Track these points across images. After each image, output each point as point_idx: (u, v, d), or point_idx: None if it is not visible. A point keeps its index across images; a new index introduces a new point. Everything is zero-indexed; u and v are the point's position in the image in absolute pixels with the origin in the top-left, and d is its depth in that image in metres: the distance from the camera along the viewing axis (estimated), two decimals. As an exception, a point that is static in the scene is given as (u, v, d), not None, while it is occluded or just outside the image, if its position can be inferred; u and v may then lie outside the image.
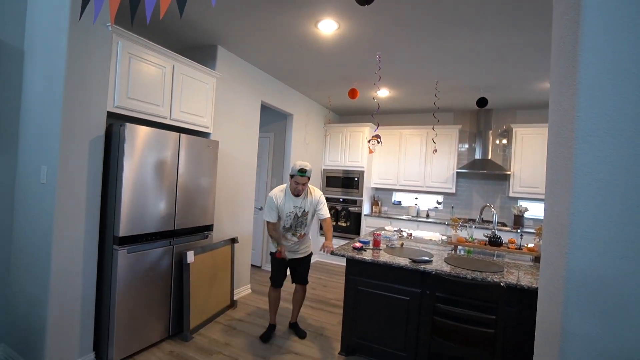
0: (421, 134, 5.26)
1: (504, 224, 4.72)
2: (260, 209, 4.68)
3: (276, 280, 2.84)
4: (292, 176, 2.61)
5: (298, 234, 2.76)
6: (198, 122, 3.00)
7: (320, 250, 2.64)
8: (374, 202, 5.64)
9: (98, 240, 2.26)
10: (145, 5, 1.09)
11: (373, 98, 4.58)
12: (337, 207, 5.50)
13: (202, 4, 2.45)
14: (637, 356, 0.78)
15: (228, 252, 3.35)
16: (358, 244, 2.74)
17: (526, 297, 2.04)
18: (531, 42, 2.73)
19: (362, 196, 5.34)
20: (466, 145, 5.29)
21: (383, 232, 3.47)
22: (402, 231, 3.54)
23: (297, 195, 2.65)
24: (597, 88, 0.80)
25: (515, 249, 2.74)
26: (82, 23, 2.02)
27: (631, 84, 0.78)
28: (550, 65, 1.02)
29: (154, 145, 2.44)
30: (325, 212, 2.76)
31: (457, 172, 5.03)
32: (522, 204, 4.70)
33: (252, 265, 4.35)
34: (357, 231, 5.36)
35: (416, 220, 5.06)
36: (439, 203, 5.39)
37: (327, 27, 2.67)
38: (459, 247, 2.91)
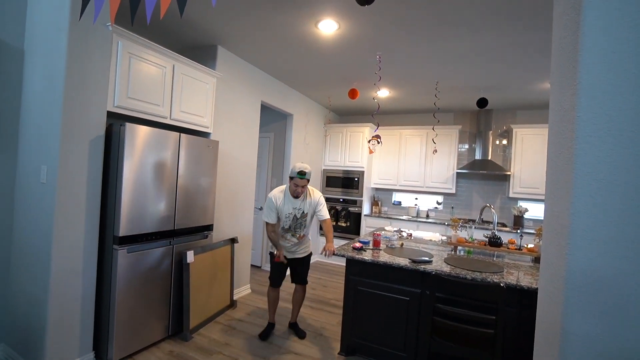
0: (421, 134, 5.26)
1: (503, 225, 4.72)
2: (260, 208, 4.67)
3: (275, 280, 2.84)
4: (291, 178, 2.61)
5: (297, 235, 2.76)
6: (198, 122, 3.00)
7: (321, 253, 2.62)
8: (374, 203, 5.64)
9: (98, 240, 2.26)
10: (146, 5, 1.09)
11: (373, 98, 4.58)
12: (337, 207, 5.50)
13: (202, 4, 2.45)
14: (638, 356, 0.78)
15: (228, 252, 3.35)
16: (358, 244, 2.74)
17: (526, 298, 2.04)
18: (531, 43, 2.73)
19: (362, 196, 5.34)
20: (466, 146, 5.29)
21: (383, 232, 3.47)
22: (402, 231, 3.54)
23: (296, 197, 2.65)
24: (597, 88, 0.80)
25: (515, 249, 2.74)
26: (82, 23, 2.02)
27: (632, 84, 0.78)
28: (550, 66, 1.02)
29: (154, 145, 2.44)
30: (324, 213, 2.75)
31: (457, 173, 5.03)
32: (522, 204, 4.70)
33: (252, 265, 4.35)
34: (357, 231, 5.36)
35: (416, 221, 5.06)
36: (438, 203, 5.39)
37: (328, 27, 2.68)
38: (459, 248, 2.91)
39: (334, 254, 2.56)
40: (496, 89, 4.04)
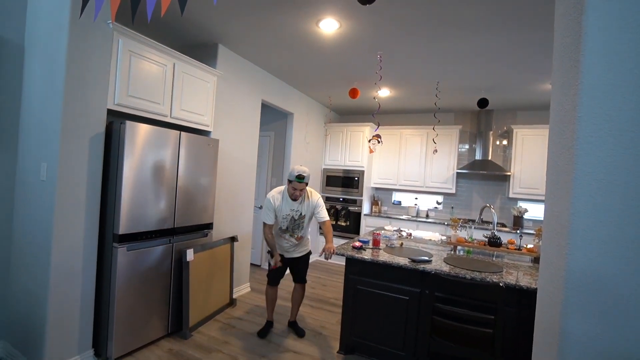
0: (421, 134, 5.26)
1: (503, 225, 4.72)
2: (260, 207, 4.67)
3: (273, 279, 2.85)
4: (289, 181, 2.60)
5: (295, 236, 2.76)
6: (198, 121, 3.00)
7: (321, 255, 2.62)
8: (374, 202, 5.64)
9: (98, 238, 2.26)
10: (147, 3, 1.09)
11: (374, 98, 4.57)
12: (337, 207, 5.50)
13: (203, 2, 2.45)
14: (637, 357, 0.78)
15: (228, 250, 3.35)
16: (358, 244, 2.74)
17: (525, 298, 2.04)
18: (532, 43, 2.72)
19: (362, 196, 5.34)
20: (466, 146, 5.29)
21: (383, 231, 3.47)
22: (401, 231, 3.54)
23: (294, 199, 2.66)
24: (598, 88, 0.80)
25: (515, 249, 2.74)
26: (82, 20, 2.02)
27: (633, 85, 0.78)
28: (551, 66, 1.02)
29: (154, 143, 2.44)
30: (324, 215, 2.74)
31: (457, 173, 5.03)
32: (522, 205, 4.70)
33: (251, 264, 4.36)
34: (356, 231, 5.36)
35: (416, 220, 5.07)
36: (438, 203, 5.39)
37: (329, 26, 2.67)
38: (459, 248, 2.91)
39: (334, 254, 2.56)
40: (497, 90, 4.04)
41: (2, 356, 2.24)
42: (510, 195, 4.69)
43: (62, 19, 2.03)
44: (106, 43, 2.21)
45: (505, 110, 4.98)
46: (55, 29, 2.07)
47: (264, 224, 2.71)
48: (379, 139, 3.46)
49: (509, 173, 4.64)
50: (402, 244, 2.96)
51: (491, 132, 4.89)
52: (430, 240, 3.30)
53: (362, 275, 2.54)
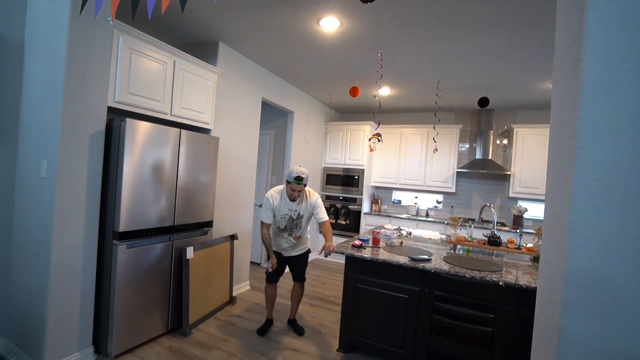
0: (422, 133, 5.25)
1: (503, 224, 4.72)
2: (260, 205, 4.67)
3: (272, 276, 2.85)
4: (288, 182, 2.60)
5: (294, 236, 2.75)
6: (199, 119, 3.00)
7: (320, 253, 2.62)
8: (374, 201, 5.65)
9: (98, 235, 2.27)
10: (147, 0, 1.08)
11: (374, 96, 4.57)
12: (337, 205, 5.51)
13: (204, 0, 2.44)
14: (636, 357, 0.78)
15: (227, 248, 3.36)
16: (357, 242, 2.74)
17: (524, 297, 2.04)
18: (533, 42, 2.72)
19: (362, 194, 5.34)
20: (467, 145, 5.29)
21: (382, 230, 3.47)
22: (401, 230, 3.54)
23: (292, 200, 2.65)
24: (600, 88, 0.80)
25: (514, 248, 2.74)
26: (82, 17, 2.01)
27: (634, 84, 0.78)
28: (552, 66, 1.01)
29: (154, 140, 2.44)
30: (323, 215, 2.72)
31: (457, 172, 5.03)
32: (522, 204, 4.70)
33: (251, 262, 4.36)
34: (356, 229, 5.36)
35: (416, 219, 5.07)
36: (438, 202, 5.39)
37: (329, 24, 2.67)
38: (458, 247, 2.92)
39: (333, 252, 2.55)
40: (497, 89, 4.03)
41: (2, 353, 2.24)
42: (510, 195, 4.69)
43: (62, 16, 2.02)
44: (106, 40, 2.20)
45: (506, 109, 4.98)
46: (56, 27, 2.07)
47: (262, 223, 2.71)
48: (379, 138, 3.46)
49: (509, 172, 4.64)
50: (401, 242, 2.96)
51: (491, 132, 4.89)
52: (430, 239, 3.31)
53: (361, 273, 2.54)
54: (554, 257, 0.91)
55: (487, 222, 4.75)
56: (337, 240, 4.28)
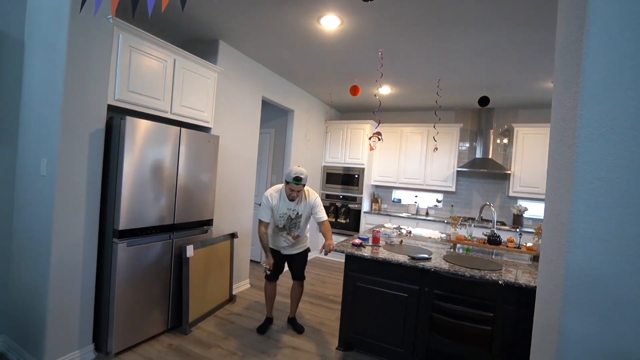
0: (422, 131, 5.25)
1: (503, 223, 4.72)
2: (260, 204, 4.68)
3: (271, 275, 2.85)
4: (287, 182, 2.59)
5: (292, 235, 2.75)
6: (199, 117, 3.00)
7: (320, 251, 2.62)
8: (374, 200, 5.65)
9: (98, 233, 2.27)
10: (147, -3, 1.08)
11: (374, 95, 4.56)
12: (337, 204, 5.51)
13: (204, -2, 2.44)
14: (636, 357, 0.78)
15: (227, 247, 3.36)
16: (357, 241, 2.74)
17: (524, 296, 2.05)
18: (533, 42, 2.71)
19: (362, 193, 5.34)
20: (467, 144, 5.29)
21: (382, 229, 3.47)
22: (401, 228, 3.54)
23: (291, 200, 2.65)
24: (601, 86, 0.80)
25: (514, 247, 2.74)
26: (82, 15, 2.01)
27: (635, 83, 0.77)
28: (552, 65, 1.01)
29: (154, 139, 2.44)
30: (322, 215, 2.71)
31: (458, 171, 5.03)
32: (522, 203, 4.70)
33: (251, 261, 4.37)
34: (356, 228, 5.37)
35: (416, 218, 5.07)
36: (438, 201, 5.40)
37: (330, 22, 2.66)
38: (458, 245, 2.92)
39: (332, 250, 2.55)
40: (498, 88, 4.03)
41: (3, 350, 2.25)
42: (510, 194, 4.69)
43: (62, 13, 2.02)
44: (106, 38, 2.20)
45: (506, 108, 4.97)
46: (55, 24, 2.06)
47: (260, 221, 2.70)
48: (380, 137, 3.46)
49: (509, 172, 4.64)
50: (401, 241, 2.96)
51: (492, 131, 4.88)
52: (429, 238, 3.31)
53: (361, 272, 2.54)
54: (554, 256, 0.91)
55: (487, 221, 4.75)
56: (337, 239, 4.27)
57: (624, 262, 0.79)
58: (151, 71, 2.50)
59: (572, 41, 0.88)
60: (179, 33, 3.13)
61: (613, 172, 0.79)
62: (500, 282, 1.90)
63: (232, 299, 3.41)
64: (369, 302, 2.51)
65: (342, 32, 2.84)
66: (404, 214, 5.26)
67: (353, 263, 2.58)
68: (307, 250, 2.94)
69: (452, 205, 5.25)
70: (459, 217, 3.16)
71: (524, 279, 2.07)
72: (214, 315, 3.08)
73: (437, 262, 2.35)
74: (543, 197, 4.26)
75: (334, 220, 5.44)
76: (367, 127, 5.36)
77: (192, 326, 2.80)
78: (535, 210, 4.67)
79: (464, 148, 5.29)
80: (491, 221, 3.48)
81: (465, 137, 5.28)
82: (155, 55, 2.52)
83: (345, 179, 5.47)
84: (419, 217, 5.12)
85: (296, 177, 2.52)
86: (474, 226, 3.21)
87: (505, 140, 5.02)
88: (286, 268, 2.96)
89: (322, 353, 2.58)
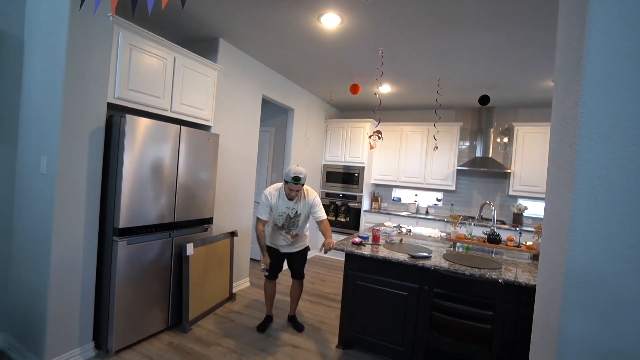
0: (422, 130, 5.25)
1: (503, 222, 4.72)
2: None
3: (271, 273, 2.86)
4: (286, 182, 2.58)
5: (291, 234, 2.75)
6: (199, 115, 2.99)
7: (320, 250, 2.61)
8: (374, 198, 5.65)
9: (98, 231, 2.27)
10: (147, -5, 1.08)
11: (375, 94, 4.56)
12: (336, 203, 5.51)
13: (204, -4, 2.43)
14: (636, 357, 0.78)
15: (227, 245, 3.36)
16: (357, 239, 2.74)
17: (524, 294, 2.05)
18: (533, 41, 2.71)
19: (362, 192, 5.34)
20: (467, 143, 5.28)
21: (382, 227, 3.47)
22: (401, 227, 3.54)
23: (290, 199, 2.65)
24: (601, 85, 0.80)
25: (514, 246, 2.75)
26: (82, 13, 2.00)
27: (636, 82, 0.77)
28: (553, 63, 1.01)
29: (154, 137, 2.43)
30: (321, 214, 2.71)
31: (458, 170, 5.03)
32: (522, 202, 4.70)
33: (251, 259, 4.37)
34: (356, 227, 5.37)
35: (415, 217, 5.07)
36: (438, 200, 5.40)
37: (330, 21, 2.65)
38: (458, 244, 2.92)
39: (332, 249, 2.55)
40: (498, 87, 4.02)
41: (3, 348, 2.25)
42: (510, 193, 4.69)
43: (62, 12, 2.01)
44: (106, 36, 2.19)
45: (507, 107, 4.97)
46: (55, 22, 2.06)
47: (258, 219, 2.70)
48: (380, 135, 3.46)
49: (509, 170, 4.64)
50: (401, 240, 2.97)
51: (492, 130, 4.88)
52: (429, 236, 3.31)
53: (361, 270, 2.55)
54: (554, 254, 0.91)
55: (487, 220, 4.75)
56: (336, 238, 4.26)
57: (624, 261, 0.79)
58: (151, 69, 2.50)
59: (572, 40, 0.88)
60: (179, 31, 3.12)
61: (614, 171, 0.79)
62: (500, 280, 1.90)
63: (232, 297, 3.41)
64: (368, 300, 2.51)
65: (342, 31, 2.84)
66: (404, 213, 5.26)
67: (353, 261, 2.58)
68: (307, 249, 2.93)
69: (452, 204, 5.25)
70: (459, 216, 3.16)
71: (523, 277, 2.07)
72: (214, 314, 3.08)
73: (437, 260, 2.35)
74: (543, 196, 4.26)
75: (334, 218, 5.44)
76: (367, 126, 5.35)
77: (192, 324, 2.80)
78: (535, 209, 4.68)
79: (464, 147, 5.29)
80: (491, 220, 3.48)
81: (465, 136, 5.28)
82: (155, 53, 2.52)
83: (345, 177, 5.47)
84: (418, 215, 5.12)
85: (295, 176, 2.51)
86: (474, 225, 3.21)
87: (506, 139, 5.02)
88: (285, 266, 2.96)
89: (322, 351, 2.58)
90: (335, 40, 3.04)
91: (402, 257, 2.38)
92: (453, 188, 5.08)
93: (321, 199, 5.50)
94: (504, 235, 3.18)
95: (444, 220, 4.81)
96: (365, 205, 5.46)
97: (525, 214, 4.61)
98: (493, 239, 2.80)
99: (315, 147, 5.43)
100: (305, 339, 2.76)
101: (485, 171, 4.91)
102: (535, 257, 2.64)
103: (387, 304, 2.44)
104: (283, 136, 4.84)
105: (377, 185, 5.80)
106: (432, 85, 4.12)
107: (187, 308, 2.72)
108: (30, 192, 2.18)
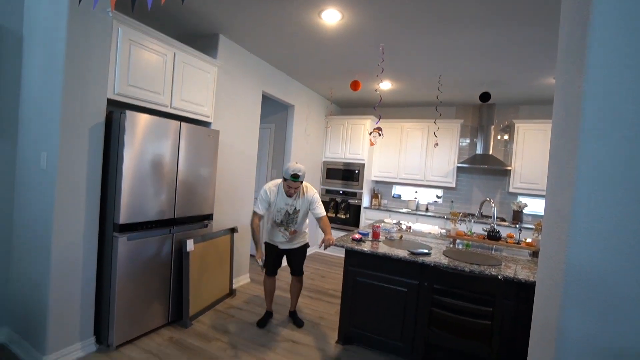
0: (422, 127, 5.24)
1: (503, 219, 4.73)
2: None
3: (270, 269, 2.86)
4: (284, 179, 2.58)
5: (290, 230, 2.75)
6: (199, 111, 2.99)
7: (320, 246, 2.61)
8: (374, 195, 5.65)
9: (98, 227, 2.27)
10: (147, -10, 1.07)
11: (375, 90, 4.54)
12: (337, 200, 5.51)
13: (204, -9, 2.41)
14: (634, 354, 0.78)
15: (227, 241, 3.37)
16: (357, 236, 2.75)
17: (523, 291, 2.06)
18: (534, 38, 2.70)
19: (362, 189, 5.34)
20: (467, 140, 5.28)
21: (382, 224, 3.48)
22: (401, 224, 3.55)
23: (289, 196, 2.65)
24: (604, 81, 0.80)
25: (514, 243, 2.75)
26: (81, 8, 1.99)
27: (638, 79, 0.77)
28: (554, 60, 1.01)
29: (154, 133, 2.43)
30: (320, 210, 2.71)
31: (458, 167, 5.03)
32: (522, 199, 4.70)
33: (251, 255, 4.37)
34: (356, 223, 5.37)
35: (415, 214, 5.08)
36: (438, 197, 5.40)
37: (331, 17, 2.64)
38: (458, 241, 2.93)
39: (332, 245, 2.55)
40: (499, 84, 4.01)
41: (5, 342, 2.27)
42: (510, 190, 4.69)
43: (61, 7, 2.00)
44: (106, 32, 2.18)
45: (507, 104, 4.95)
46: (54, 18, 2.05)
47: (254, 212, 2.70)
48: (380, 132, 3.45)
49: (509, 168, 4.64)
50: (401, 236, 2.97)
51: (492, 127, 4.87)
52: (429, 233, 3.32)
53: (361, 267, 2.55)
54: (554, 251, 0.91)
55: (487, 217, 4.75)
56: (336, 234, 4.27)
57: (625, 259, 0.78)
58: (151, 65, 2.49)
59: (575, 36, 0.88)
60: (179, 27, 3.10)
61: (616, 168, 0.79)
62: (499, 277, 1.91)
63: (232, 293, 3.42)
64: (368, 296, 2.52)
65: (342, 27, 2.82)
66: (404, 210, 5.27)
67: (353, 258, 2.59)
68: (306, 245, 2.93)
69: (452, 201, 5.26)
70: (459, 213, 3.16)
71: (523, 274, 2.08)
72: (214, 309, 3.10)
73: (437, 257, 2.36)
74: (543, 193, 4.25)
75: (333, 215, 5.44)
76: (367, 123, 5.34)
77: (193, 320, 2.81)
78: (535, 206, 4.68)
79: (464, 144, 5.28)
80: (491, 217, 3.49)
81: (465, 133, 5.27)
82: (155, 49, 2.51)
83: (346, 174, 5.47)
84: (418, 212, 5.13)
85: (294, 174, 2.51)
86: (474, 222, 3.22)
87: (506, 137, 5.01)
88: (284, 263, 2.97)
89: (322, 347, 2.60)
90: (335, 36, 3.02)
91: (402, 253, 2.38)
92: (453, 185, 5.08)
93: (321, 195, 5.51)
94: (503, 232, 3.18)
95: (444, 217, 4.82)
96: (365, 202, 5.47)
97: (525, 211, 4.62)
98: (493, 235, 2.80)
99: (316, 144, 5.42)
100: (304, 334, 2.78)
101: (485, 168, 4.91)
102: (534, 254, 2.64)
103: (387, 300, 2.45)
104: (283, 133, 4.83)
105: (377, 182, 5.80)
106: (433, 82, 4.10)
107: (188, 303, 2.73)
108: (30, 187, 2.18)
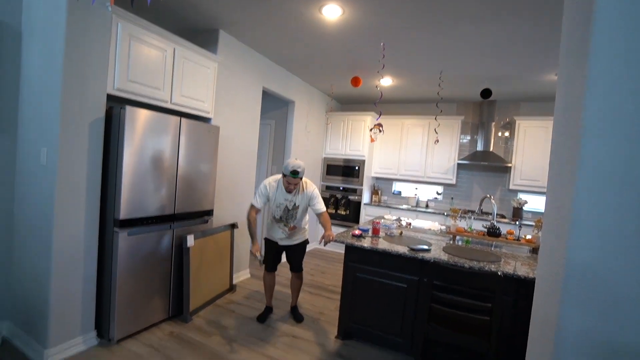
0: (423, 124, 5.22)
1: (503, 216, 4.74)
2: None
3: (269, 265, 2.87)
4: (284, 175, 2.58)
5: (289, 226, 2.75)
6: (199, 107, 2.98)
7: (320, 242, 2.62)
8: (374, 192, 5.65)
9: (99, 223, 2.28)
10: (147, -16, 1.06)
11: (376, 86, 4.52)
12: (337, 196, 5.51)
13: (204, -15, 2.39)
14: (633, 351, 0.78)
15: (228, 237, 3.38)
16: (357, 232, 2.75)
17: (523, 287, 2.06)
18: (536, 34, 2.68)
19: (362, 185, 5.34)
20: (468, 137, 5.27)
21: (382, 220, 3.48)
22: (401, 220, 3.55)
23: (289, 192, 2.65)
24: (607, 78, 0.79)
25: (513, 240, 2.76)
26: (81, 3, 1.98)
27: (640, 74, 0.77)
28: (556, 57, 1.00)
29: (154, 128, 2.43)
30: (320, 206, 2.70)
31: (458, 164, 5.02)
32: (522, 196, 4.70)
33: (251, 251, 4.39)
34: (356, 220, 5.38)
35: (416, 210, 5.08)
36: (438, 194, 5.40)
37: (332, 12, 2.62)
38: (458, 237, 2.93)
39: (332, 241, 2.55)
40: (500, 80, 3.99)
41: (7, 336, 2.28)
42: (511, 187, 4.69)
43: (60, 2, 1.99)
44: (105, 27, 2.17)
45: (508, 101, 4.94)
46: (53, 13, 2.03)
47: (251, 206, 2.70)
48: (381, 128, 3.44)
49: (509, 165, 4.63)
50: (401, 233, 2.98)
51: (493, 124, 4.86)
52: (429, 229, 3.32)
53: (361, 263, 2.56)
54: (554, 248, 0.92)
55: (487, 213, 4.76)
56: (336, 231, 4.28)
57: (625, 257, 0.78)
58: (151, 60, 2.48)
59: (578, 32, 0.87)
60: (179, 22, 3.08)
61: (618, 166, 0.79)
62: (499, 273, 1.92)
63: (232, 288, 3.44)
64: (368, 292, 2.53)
65: (343, 22, 2.80)
66: (404, 206, 5.27)
67: (353, 254, 2.60)
68: (306, 242, 2.93)
69: (452, 198, 5.26)
70: (459, 210, 3.16)
71: (522, 270, 2.09)
72: (215, 304, 3.11)
73: (437, 253, 2.37)
74: (543, 190, 4.25)
75: (334, 211, 5.45)
76: (368, 119, 5.33)
77: (193, 314, 2.83)
78: (535, 203, 4.68)
79: (465, 141, 5.27)
80: (491, 214, 3.49)
81: (466, 130, 5.26)
82: (155, 44, 2.50)
83: (346, 170, 5.47)
84: (419, 209, 5.13)
85: (293, 170, 2.50)
86: (474, 218, 3.22)
87: (507, 133, 5.00)
88: (284, 259, 2.97)
89: (322, 342, 2.61)
90: (336, 32, 3.01)
91: (401, 249, 2.39)
92: (453, 182, 5.08)
93: (321, 192, 5.52)
94: (503, 228, 3.19)
95: (444, 214, 4.82)
96: (366, 198, 5.47)
97: (525, 208, 4.62)
98: (493, 232, 2.81)
99: (316, 140, 5.41)
100: (304, 329, 2.79)
101: (485, 165, 4.90)
102: (534, 251, 2.65)
103: (387, 296, 2.46)
104: (283, 129, 4.82)
105: (377, 178, 5.79)
106: (434, 79, 4.08)
107: (188, 298, 2.74)
108: (30, 183, 2.18)
